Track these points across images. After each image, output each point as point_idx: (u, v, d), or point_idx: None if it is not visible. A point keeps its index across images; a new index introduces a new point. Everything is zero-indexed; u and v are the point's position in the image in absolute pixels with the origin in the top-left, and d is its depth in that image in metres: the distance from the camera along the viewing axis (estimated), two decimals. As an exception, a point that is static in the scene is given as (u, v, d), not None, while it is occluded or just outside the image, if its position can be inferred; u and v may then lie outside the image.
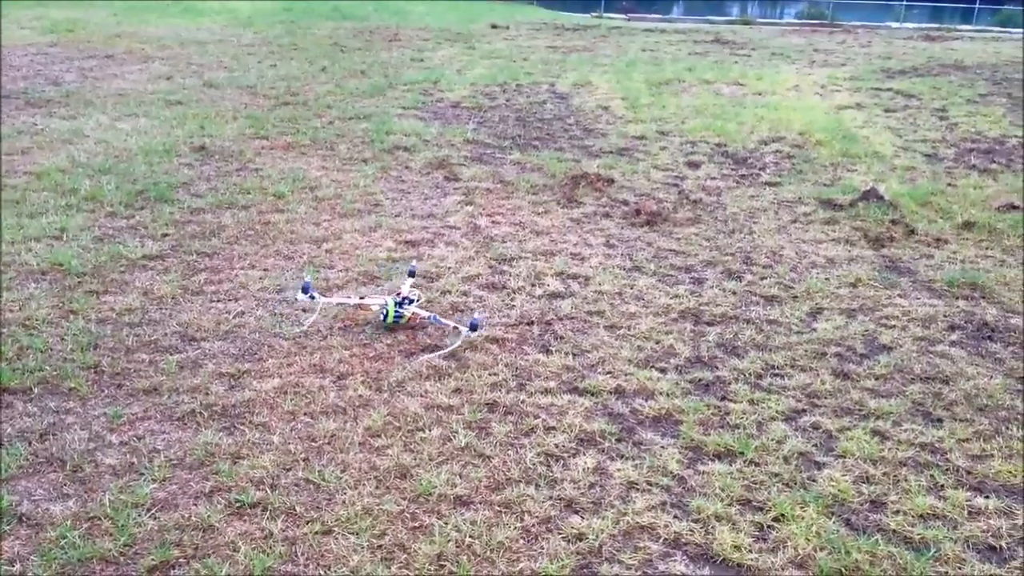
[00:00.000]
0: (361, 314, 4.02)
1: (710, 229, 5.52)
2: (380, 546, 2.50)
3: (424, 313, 3.90)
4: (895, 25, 25.21)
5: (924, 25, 26.26)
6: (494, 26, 14.80)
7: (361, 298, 3.99)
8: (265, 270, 4.53)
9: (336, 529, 2.57)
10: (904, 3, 31.88)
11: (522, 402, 3.36)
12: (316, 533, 2.54)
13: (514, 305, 4.26)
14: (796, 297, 4.54)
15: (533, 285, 4.51)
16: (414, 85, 9.48)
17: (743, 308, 4.37)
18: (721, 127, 8.05)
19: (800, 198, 6.24)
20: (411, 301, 3.83)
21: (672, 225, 5.54)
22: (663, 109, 8.73)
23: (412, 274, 4.19)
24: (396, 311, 3.75)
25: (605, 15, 23.49)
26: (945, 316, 4.34)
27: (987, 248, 5.34)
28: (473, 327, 3.67)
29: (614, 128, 7.96)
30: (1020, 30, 27.24)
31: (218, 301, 4.14)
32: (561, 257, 4.90)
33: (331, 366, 3.55)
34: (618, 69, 10.83)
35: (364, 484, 2.78)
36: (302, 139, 7.10)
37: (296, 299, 3.98)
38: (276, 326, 3.89)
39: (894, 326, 4.23)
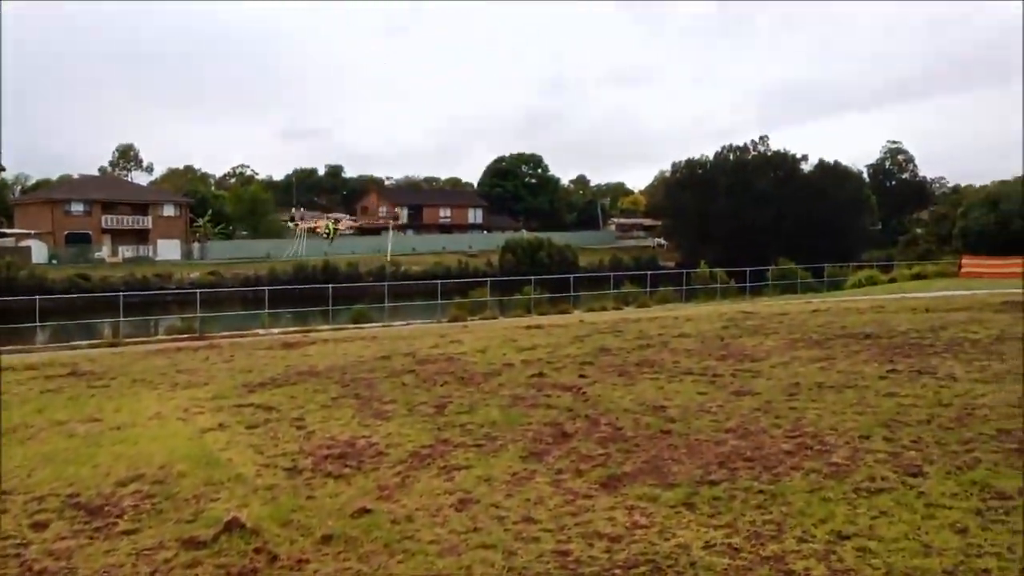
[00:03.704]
0: None
1: (56, 604, 4.90)
2: None
3: None
4: (262, 332, 26.85)
5: (289, 329, 28.42)
6: None
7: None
8: None
9: None
10: (268, 311, 34.37)
11: None
12: None
13: None
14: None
15: None
16: None
17: None
18: (74, 474, 7.46)
19: (161, 542, 5.91)
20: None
21: (8, 610, 4.81)
22: (6, 463, 7.86)
23: None
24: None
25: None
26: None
27: (344, 560, 5.52)
28: None
29: (-59, 497, 6.90)
30: (371, 324, 30.95)
31: None
32: None
33: None
34: (-48, 421, 9.63)
35: None
36: None
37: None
38: None
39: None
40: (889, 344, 13.31)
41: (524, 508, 6.43)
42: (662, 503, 6.41)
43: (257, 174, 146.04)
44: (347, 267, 70.98)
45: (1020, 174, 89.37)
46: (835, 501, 6.26)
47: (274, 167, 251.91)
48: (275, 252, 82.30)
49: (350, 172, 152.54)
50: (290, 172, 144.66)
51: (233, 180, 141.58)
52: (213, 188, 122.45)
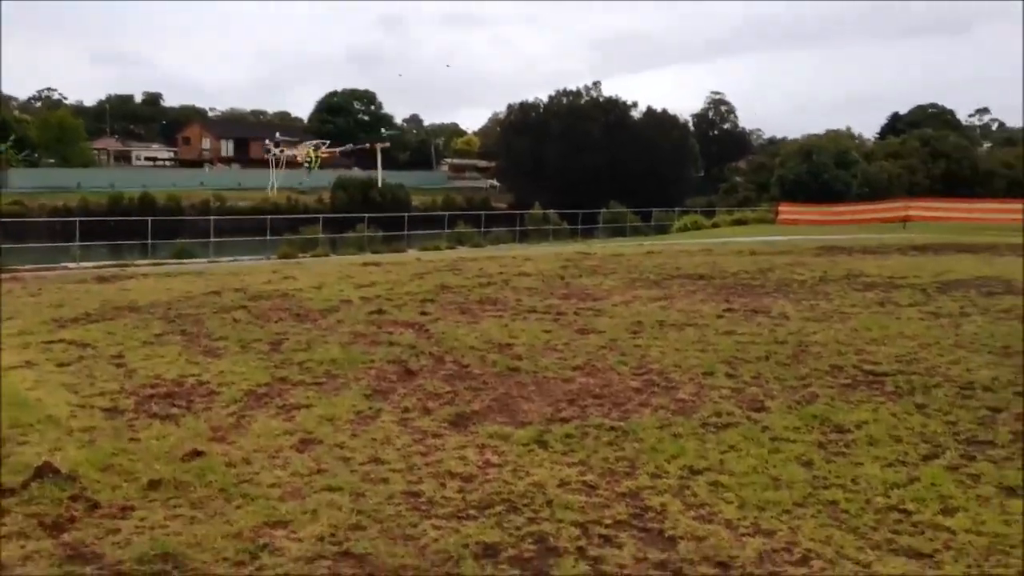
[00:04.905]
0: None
1: None
2: None
3: None
4: (72, 266, 24.98)
5: (103, 263, 26.53)
6: None
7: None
8: None
9: None
10: (79, 244, 32.09)
11: None
12: None
13: None
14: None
15: None
16: None
17: None
18: None
19: (-40, 492, 5.24)
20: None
21: None
22: None
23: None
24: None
25: None
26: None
27: (175, 507, 5.04)
28: None
29: None
30: (194, 260, 29.43)
31: None
32: None
33: None
34: None
35: None
36: None
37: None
38: None
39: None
40: (723, 284, 13.67)
41: (371, 448, 6.10)
42: (514, 441, 6.23)
43: (66, 99, 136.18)
44: (167, 200, 67.36)
45: (828, 129, 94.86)
46: (685, 437, 6.26)
47: (84, 92, 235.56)
48: (86, 182, 77.10)
49: (170, 101, 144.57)
50: (103, 98, 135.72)
51: (39, 104, 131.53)
52: (16, 112, 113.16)
